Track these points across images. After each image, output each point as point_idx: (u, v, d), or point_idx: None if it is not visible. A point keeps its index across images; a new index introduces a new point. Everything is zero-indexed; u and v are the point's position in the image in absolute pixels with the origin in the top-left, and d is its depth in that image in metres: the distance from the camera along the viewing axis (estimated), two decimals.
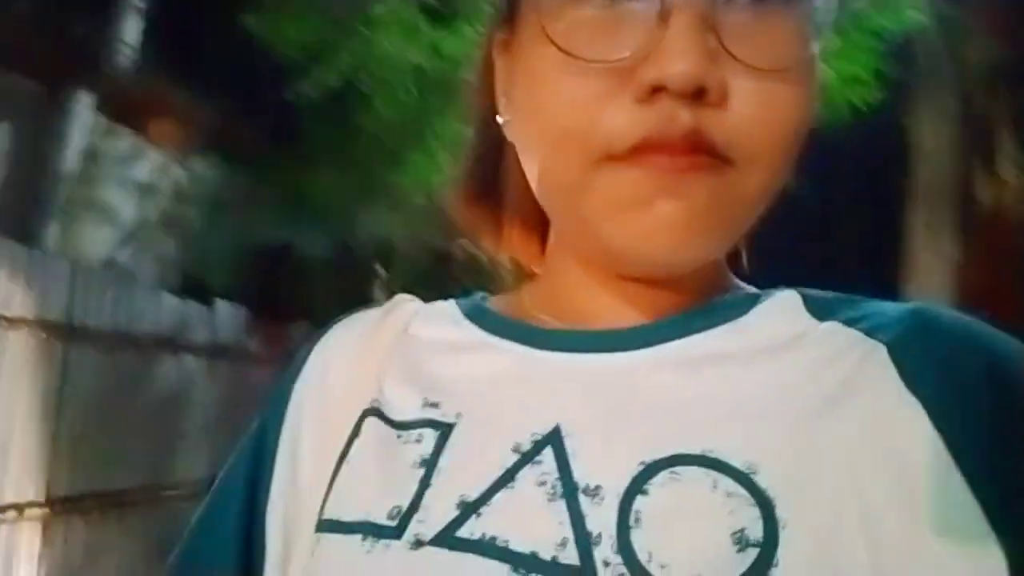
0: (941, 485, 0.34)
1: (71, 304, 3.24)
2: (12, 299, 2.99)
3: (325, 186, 5.61)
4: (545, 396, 0.40)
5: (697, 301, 0.43)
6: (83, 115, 4.36)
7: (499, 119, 0.45)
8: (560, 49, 0.37)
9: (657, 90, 0.35)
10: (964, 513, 0.33)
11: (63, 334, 3.20)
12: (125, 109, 4.60)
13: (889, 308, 0.41)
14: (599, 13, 0.37)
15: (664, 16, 0.35)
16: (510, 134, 0.44)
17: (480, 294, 0.51)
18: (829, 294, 0.44)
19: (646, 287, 0.42)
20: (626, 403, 0.39)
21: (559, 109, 0.38)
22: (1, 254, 2.99)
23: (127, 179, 5.01)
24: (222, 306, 4.32)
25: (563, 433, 0.38)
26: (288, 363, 0.51)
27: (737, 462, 0.35)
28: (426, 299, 0.52)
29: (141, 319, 3.67)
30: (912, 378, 0.36)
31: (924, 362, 0.37)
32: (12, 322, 2.98)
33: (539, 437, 0.38)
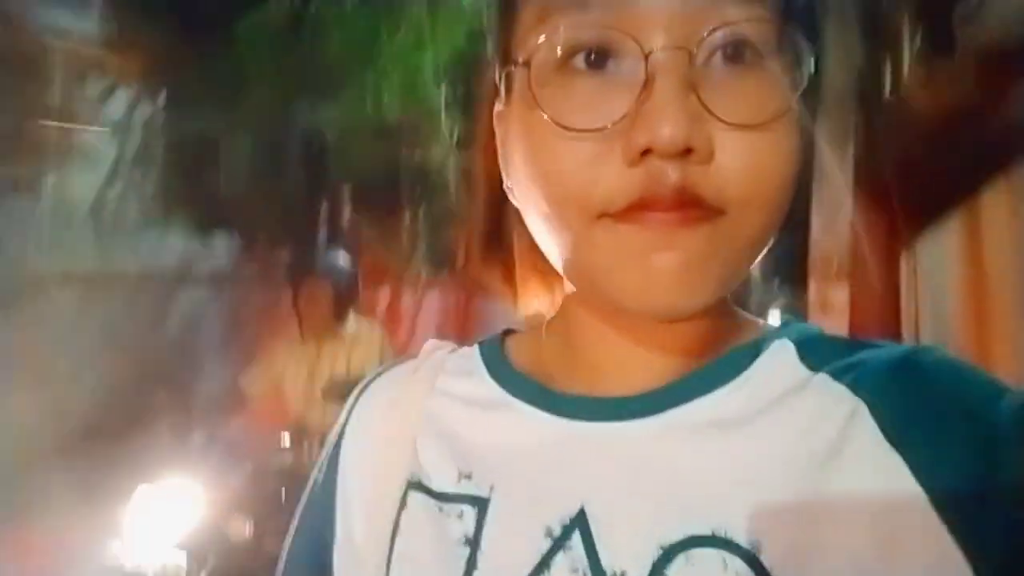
0: (926, 540, 0.35)
1: (98, 253, 3.60)
2: (50, 255, 3.32)
3: (267, 99, 5.69)
4: (568, 472, 0.43)
5: (703, 342, 0.44)
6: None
7: (504, 186, 0.47)
8: (552, 119, 0.39)
9: (646, 152, 0.37)
10: (950, 566, 0.34)
11: (97, 281, 3.57)
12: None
13: (879, 355, 0.41)
14: (586, 81, 0.39)
15: (648, 81, 0.37)
16: (514, 198, 0.46)
17: (503, 331, 0.54)
18: (824, 338, 0.45)
19: (655, 331, 0.44)
20: (641, 477, 0.41)
21: (555, 174, 0.39)
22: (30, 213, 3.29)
23: (104, 119, 5.14)
24: (218, 237, 4.65)
25: (588, 516, 0.41)
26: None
27: (743, 540, 0.37)
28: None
29: (155, 258, 4.04)
30: (892, 434, 0.38)
31: (904, 417, 0.38)
32: (53, 275, 3.34)
33: (567, 521, 0.41)
